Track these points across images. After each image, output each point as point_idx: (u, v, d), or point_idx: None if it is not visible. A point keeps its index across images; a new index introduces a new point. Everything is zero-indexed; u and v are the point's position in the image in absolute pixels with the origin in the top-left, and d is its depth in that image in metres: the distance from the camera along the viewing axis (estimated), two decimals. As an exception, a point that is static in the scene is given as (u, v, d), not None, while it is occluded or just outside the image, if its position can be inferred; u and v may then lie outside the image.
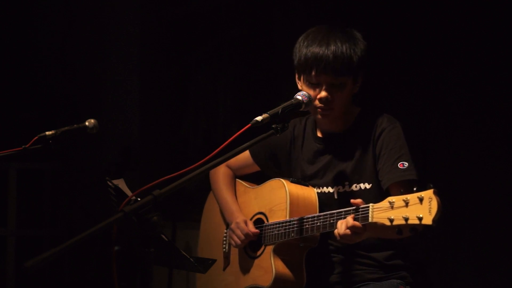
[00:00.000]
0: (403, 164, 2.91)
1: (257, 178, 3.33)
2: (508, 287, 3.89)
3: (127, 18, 5.81)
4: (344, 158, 3.03)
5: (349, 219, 2.68)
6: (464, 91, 4.04)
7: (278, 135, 2.71)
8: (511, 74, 3.89)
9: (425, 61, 4.16)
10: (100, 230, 2.15)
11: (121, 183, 2.73)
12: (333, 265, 3.03)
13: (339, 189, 3.02)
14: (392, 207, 2.53)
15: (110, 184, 2.74)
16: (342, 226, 2.69)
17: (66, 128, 3.14)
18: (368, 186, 2.98)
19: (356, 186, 2.99)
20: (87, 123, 3.18)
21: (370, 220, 2.61)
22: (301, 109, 2.81)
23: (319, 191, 3.05)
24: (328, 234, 2.97)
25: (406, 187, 2.67)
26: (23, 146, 3.08)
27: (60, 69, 6.09)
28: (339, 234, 2.70)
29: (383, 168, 2.94)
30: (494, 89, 3.95)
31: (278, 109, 2.70)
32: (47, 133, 3.09)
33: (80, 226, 5.57)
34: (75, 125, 3.17)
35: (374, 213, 2.60)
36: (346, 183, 3.01)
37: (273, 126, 2.68)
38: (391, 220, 2.51)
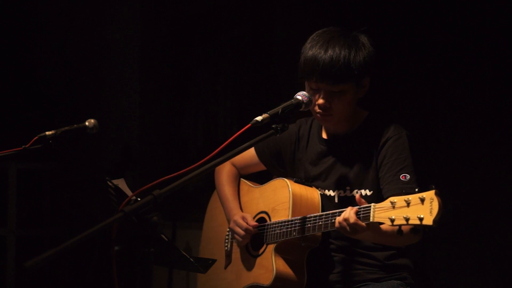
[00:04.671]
0: (405, 176, 2.88)
1: (262, 178, 3.32)
2: (508, 287, 3.89)
3: (127, 18, 5.81)
4: (347, 162, 3.01)
5: (352, 215, 2.66)
6: (465, 92, 4.05)
7: (284, 135, 2.71)
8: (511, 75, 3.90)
9: (429, 63, 4.16)
10: (100, 230, 2.15)
11: (121, 183, 2.73)
12: (334, 264, 3.02)
13: (340, 193, 3.01)
14: (393, 207, 2.53)
15: (110, 184, 2.74)
16: (342, 218, 2.69)
17: (66, 128, 3.13)
18: (368, 193, 2.96)
19: (357, 192, 2.97)
20: (87, 123, 3.17)
21: (371, 219, 2.61)
22: (301, 109, 2.80)
23: (321, 193, 3.05)
24: (329, 233, 2.97)
25: None
26: (23, 146, 3.07)
27: (60, 69, 6.08)
28: (339, 222, 2.70)
29: (385, 177, 2.92)
30: (495, 91, 3.95)
31: (278, 109, 2.69)
32: (47, 133, 3.09)
33: (80, 226, 5.57)
34: (75, 125, 3.16)
35: (376, 212, 2.60)
36: (348, 188, 2.99)
37: (273, 126, 2.67)
38: (392, 220, 2.51)
